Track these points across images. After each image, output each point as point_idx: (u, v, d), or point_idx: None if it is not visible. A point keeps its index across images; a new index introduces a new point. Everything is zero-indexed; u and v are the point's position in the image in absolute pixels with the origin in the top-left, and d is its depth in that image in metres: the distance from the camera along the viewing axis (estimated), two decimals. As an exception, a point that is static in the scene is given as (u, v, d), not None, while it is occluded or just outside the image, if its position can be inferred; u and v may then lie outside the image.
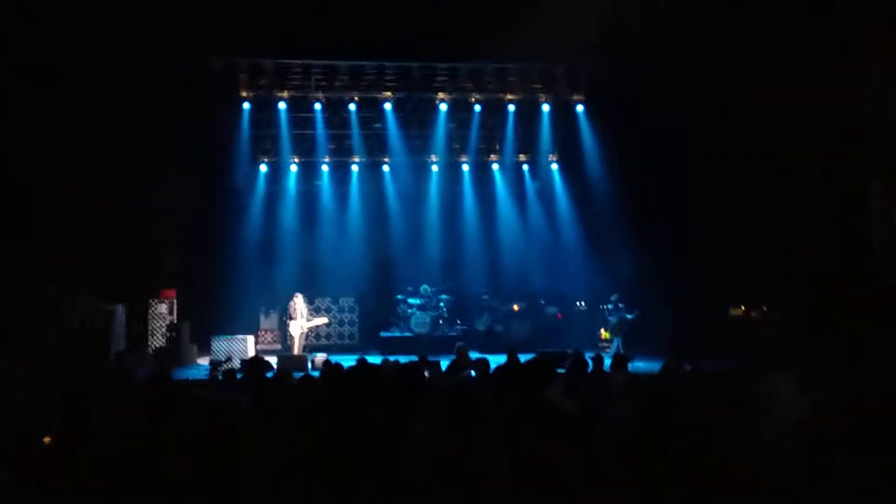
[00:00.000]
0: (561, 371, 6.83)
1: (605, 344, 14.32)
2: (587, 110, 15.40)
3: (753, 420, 2.44)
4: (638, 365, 11.09)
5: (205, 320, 13.81)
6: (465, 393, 2.12)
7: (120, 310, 12.31)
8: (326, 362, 9.71)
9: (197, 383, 8.19)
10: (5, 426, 3.55)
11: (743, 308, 12.14)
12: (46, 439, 3.79)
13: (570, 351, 8.30)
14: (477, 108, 15.33)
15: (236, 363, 10.87)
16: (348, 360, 11.41)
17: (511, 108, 15.43)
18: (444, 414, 2.06)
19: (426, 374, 6.27)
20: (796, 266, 11.70)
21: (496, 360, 11.23)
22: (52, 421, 3.94)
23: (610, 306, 13.22)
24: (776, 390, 2.52)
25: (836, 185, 11.44)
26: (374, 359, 9.95)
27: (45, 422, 3.96)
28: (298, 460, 2.33)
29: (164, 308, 13.54)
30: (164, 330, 13.32)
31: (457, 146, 16.12)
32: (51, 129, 11.38)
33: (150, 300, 13.51)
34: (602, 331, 14.64)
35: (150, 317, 13.46)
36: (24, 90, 11.00)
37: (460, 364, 7.51)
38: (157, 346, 13.15)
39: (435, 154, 15.99)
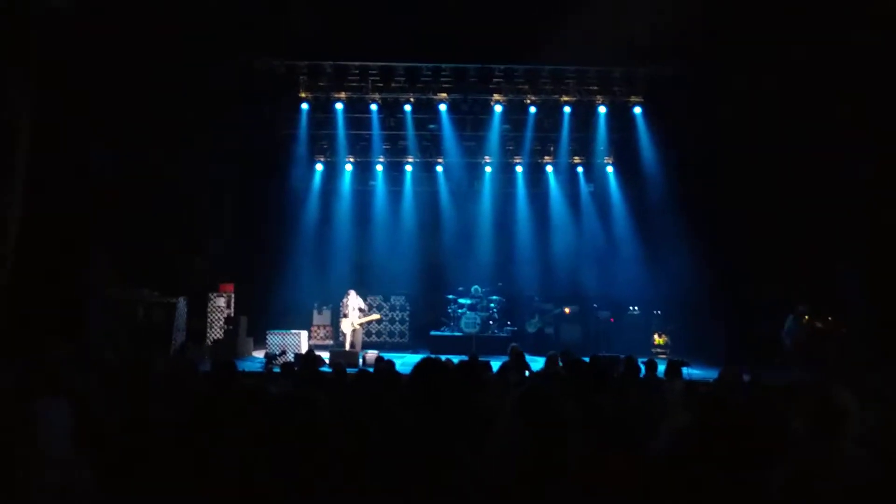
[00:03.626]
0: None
1: (658, 350, 14.06)
2: (645, 112, 15.15)
3: (830, 435, 2.39)
4: (692, 372, 10.86)
5: (261, 315, 14.20)
6: (545, 395, 2.14)
7: (181, 303, 12.71)
8: (378, 359, 9.85)
9: (254, 375, 8.40)
10: (75, 418, 3.72)
11: (806, 318, 11.68)
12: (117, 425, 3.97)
13: (622, 356, 8.20)
14: (532, 109, 15.26)
15: (290, 357, 11.10)
16: (399, 358, 11.54)
17: (567, 109, 15.29)
18: (525, 415, 2.08)
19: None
20: (861, 277, 11.26)
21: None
22: (119, 411, 4.11)
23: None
24: (846, 404, 2.47)
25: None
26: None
27: (112, 412, 4.14)
28: (376, 455, 2.39)
29: (222, 301, 13.93)
30: (221, 323, 13.71)
31: (511, 148, 16.05)
32: (117, 129, 11.84)
33: (210, 294, 13.94)
34: (655, 336, 14.38)
35: (208, 310, 13.89)
36: (92, 91, 11.45)
37: (513, 365, 7.51)
38: (216, 338, 13.55)
39: (489, 155, 16.00)
